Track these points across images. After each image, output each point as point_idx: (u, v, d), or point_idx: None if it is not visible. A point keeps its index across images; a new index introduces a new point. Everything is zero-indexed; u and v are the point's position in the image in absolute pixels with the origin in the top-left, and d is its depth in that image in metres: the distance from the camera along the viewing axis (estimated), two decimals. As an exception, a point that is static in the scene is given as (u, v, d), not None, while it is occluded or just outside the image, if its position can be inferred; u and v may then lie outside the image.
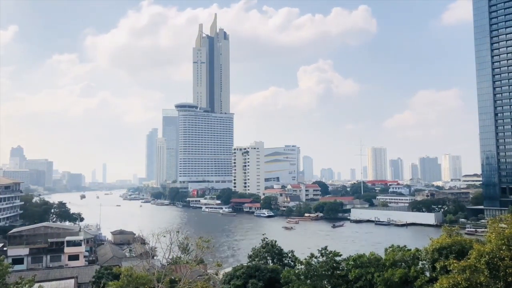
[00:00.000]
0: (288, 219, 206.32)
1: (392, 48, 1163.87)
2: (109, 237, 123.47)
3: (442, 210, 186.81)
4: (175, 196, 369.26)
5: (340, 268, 41.51)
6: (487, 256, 26.81)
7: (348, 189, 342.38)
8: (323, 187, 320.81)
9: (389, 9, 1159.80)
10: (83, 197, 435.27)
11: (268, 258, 58.10)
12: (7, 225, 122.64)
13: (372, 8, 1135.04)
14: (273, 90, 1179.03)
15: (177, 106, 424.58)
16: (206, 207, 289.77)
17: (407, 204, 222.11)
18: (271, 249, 58.51)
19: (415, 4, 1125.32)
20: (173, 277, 39.62)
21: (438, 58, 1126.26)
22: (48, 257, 75.30)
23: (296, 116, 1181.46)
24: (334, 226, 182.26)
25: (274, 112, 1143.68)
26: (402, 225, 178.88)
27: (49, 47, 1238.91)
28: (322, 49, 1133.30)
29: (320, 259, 42.67)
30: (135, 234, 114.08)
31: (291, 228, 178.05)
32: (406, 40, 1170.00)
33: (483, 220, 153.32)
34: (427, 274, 35.96)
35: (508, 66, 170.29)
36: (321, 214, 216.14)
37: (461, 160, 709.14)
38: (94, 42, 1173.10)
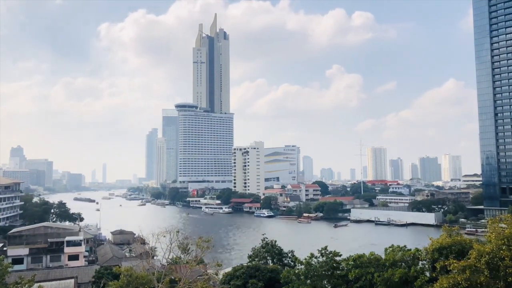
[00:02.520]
0: (300, 219, 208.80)
1: (401, 49, 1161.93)
2: (109, 237, 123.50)
3: (442, 210, 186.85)
4: (175, 196, 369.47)
5: (340, 268, 41.48)
6: (487, 256, 26.82)
7: (348, 189, 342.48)
8: (323, 187, 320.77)
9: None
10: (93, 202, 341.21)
11: (268, 258, 58.14)
12: (7, 225, 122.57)
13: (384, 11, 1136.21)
14: (274, 89, 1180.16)
15: (177, 106, 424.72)
16: (206, 207, 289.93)
17: (407, 204, 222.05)
18: (271, 249, 58.55)
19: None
20: (173, 277, 39.61)
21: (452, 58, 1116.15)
22: (48, 257, 75.22)
23: (296, 116, 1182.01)
24: (336, 226, 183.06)
25: (274, 112, 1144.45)
26: (402, 225, 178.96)
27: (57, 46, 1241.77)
28: (333, 51, 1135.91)
29: (320, 259, 42.64)
30: (135, 234, 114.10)
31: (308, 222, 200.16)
32: (417, 41, 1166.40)
33: (483, 220, 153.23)
34: (427, 274, 35.93)
35: (508, 66, 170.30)
36: (321, 214, 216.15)
37: (461, 160, 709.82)
38: (102, 40, 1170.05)
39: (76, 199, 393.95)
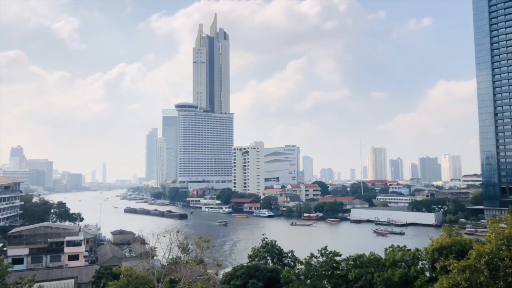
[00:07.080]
0: (329, 220, 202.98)
1: (404, 48, 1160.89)
2: (109, 237, 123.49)
3: (442, 210, 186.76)
4: (175, 196, 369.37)
5: (340, 268, 41.48)
6: (487, 256, 26.81)
7: (348, 189, 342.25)
8: (323, 187, 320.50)
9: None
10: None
11: (268, 258, 58.12)
12: (7, 225, 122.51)
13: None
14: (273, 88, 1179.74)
15: (177, 106, 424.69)
16: (206, 207, 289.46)
17: (407, 204, 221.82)
18: (271, 249, 58.54)
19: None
20: (173, 277, 39.64)
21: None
22: (48, 257, 75.22)
23: (296, 116, 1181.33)
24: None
25: (273, 112, 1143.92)
26: (402, 225, 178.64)
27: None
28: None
29: (320, 259, 42.65)
30: (135, 234, 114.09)
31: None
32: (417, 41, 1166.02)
33: (483, 220, 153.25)
34: (427, 274, 35.96)
35: (508, 67, 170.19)
36: (321, 214, 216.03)
37: (461, 160, 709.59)
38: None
39: (128, 211, 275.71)
